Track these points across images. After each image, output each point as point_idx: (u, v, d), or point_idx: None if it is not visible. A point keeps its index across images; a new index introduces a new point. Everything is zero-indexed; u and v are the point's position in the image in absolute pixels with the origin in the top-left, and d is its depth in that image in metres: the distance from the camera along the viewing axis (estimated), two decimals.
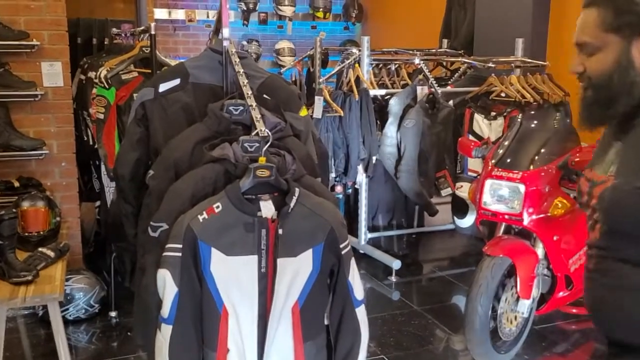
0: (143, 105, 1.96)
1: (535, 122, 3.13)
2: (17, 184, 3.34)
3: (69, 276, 3.33)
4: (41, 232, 3.04)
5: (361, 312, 1.82)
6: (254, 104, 1.81)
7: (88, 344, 3.27)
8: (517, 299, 2.94)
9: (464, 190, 4.32)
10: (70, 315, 3.36)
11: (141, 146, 1.97)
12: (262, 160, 1.71)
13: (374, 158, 4.17)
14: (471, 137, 4.24)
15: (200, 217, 1.62)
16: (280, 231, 1.67)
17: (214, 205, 1.64)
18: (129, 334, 3.35)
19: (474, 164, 4.30)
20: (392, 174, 4.23)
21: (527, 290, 2.87)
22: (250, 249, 1.66)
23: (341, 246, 1.77)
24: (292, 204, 1.70)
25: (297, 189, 1.73)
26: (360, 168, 4.20)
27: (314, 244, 1.72)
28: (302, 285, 1.72)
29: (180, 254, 1.61)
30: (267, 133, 1.74)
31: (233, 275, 1.64)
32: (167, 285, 1.61)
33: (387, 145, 4.17)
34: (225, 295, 1.64)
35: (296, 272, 1.70)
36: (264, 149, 1.74)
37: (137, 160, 1.97)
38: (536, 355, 3.20)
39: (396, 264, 4.16)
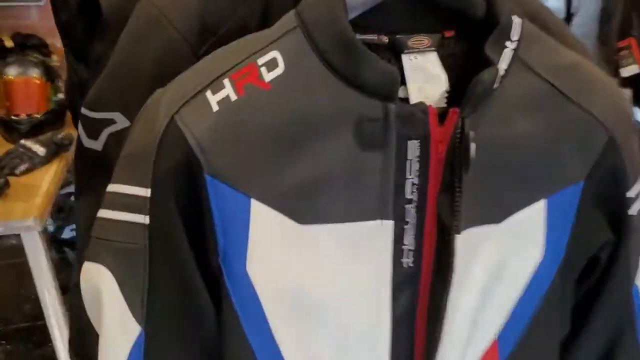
0: None
1: None
2: (10, 44, 2.30)
3: None
4: (35, 115, 2.03)
5: None
6: None
7: None
8: None
9: None
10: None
11: None
12: None
13: None
14: None
15: (214, 99, 0.49)
16: (471, 148, 0.52)
17: (260, 61, 0.50)
18: None
19: None
20: None
21: None
22: (374, 200, 0.53)
23: (629, 194, 0.61)
24: (504, 64, 0.54)
25: (515, 19, 0.56)
26: None
27: (558, 185, 0.58)
28: (515, 301, 0.60)
29: (145, 222, 0.50)
30: None
31: (319, 284, 0.52)
32: (110, 318, 0.52)
33: None
34: (291, 342, 0.53)
35: (501, 264, 0.58)
36: None
37: None
38: None
39: None
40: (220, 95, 0.49)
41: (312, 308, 0.52)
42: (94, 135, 0.59)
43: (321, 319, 0.52)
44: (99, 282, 0.51)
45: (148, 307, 0.50)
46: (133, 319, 0.51)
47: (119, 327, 0.51)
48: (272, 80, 0.49)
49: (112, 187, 0.51)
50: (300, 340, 0.52)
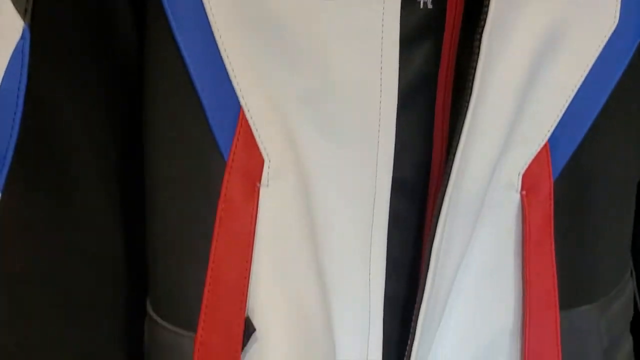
0: None
1: None
2: None
3: None
4: None
5: None
6: None
7: None
8: None
9: None
10: None
11: None
12: None
13: None
14: None
15: None
16: None
17: None
18: None
19: None
20: None
21: None
22: None
23: None
24: None
25: None
26: None
27: None
28: (576, 85, 0.41)
29: None
30: None
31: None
32: None
33: None
34: (251, 78, 0.35)
35: (557, 25, 0.39)
36: None
37: None
38: None
39: None
40: None
41: (284, 40, 0.34)
42: None
43: (290, 57, 0.35)
44: None
45: None
46: (14, 10, 0.33)
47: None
48: None
49: None
50: (262, 85, 0.34)
